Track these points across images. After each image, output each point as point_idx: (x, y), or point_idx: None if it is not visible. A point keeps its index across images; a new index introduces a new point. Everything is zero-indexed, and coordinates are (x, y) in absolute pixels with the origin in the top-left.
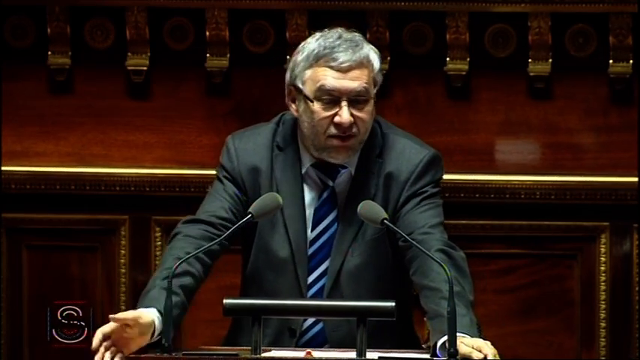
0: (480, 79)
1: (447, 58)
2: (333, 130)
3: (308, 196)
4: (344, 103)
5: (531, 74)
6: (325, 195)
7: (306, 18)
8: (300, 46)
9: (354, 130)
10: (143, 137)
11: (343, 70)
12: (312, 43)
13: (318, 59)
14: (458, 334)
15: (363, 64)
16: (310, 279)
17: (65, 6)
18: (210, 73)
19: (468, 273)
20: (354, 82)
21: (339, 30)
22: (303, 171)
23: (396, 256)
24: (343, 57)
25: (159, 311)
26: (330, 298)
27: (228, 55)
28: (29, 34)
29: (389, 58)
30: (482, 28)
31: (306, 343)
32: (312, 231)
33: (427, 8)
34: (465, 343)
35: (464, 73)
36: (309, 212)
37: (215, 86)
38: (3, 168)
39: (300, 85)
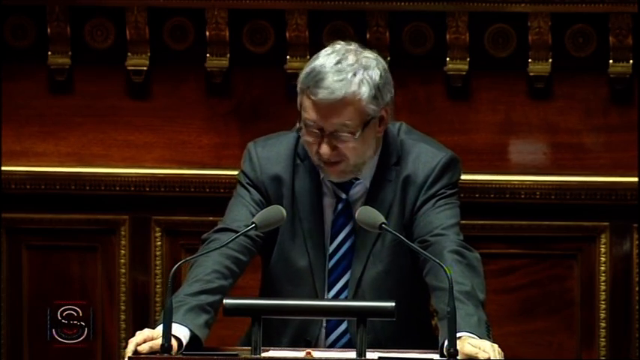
0: (480, 79)
1: (447, 58)
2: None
3: (326, 208)
4: (325, 138)
5: (531, 74)
6: (340, 207)
7: (306, 18)
8: (313, 57)
9: (339, 158)
10: (143, 137)
11: (322, 107)
12: (313, 62)
13: (305, 88)
14: (466, 334)
15: (346, 100)
16: (332, 292)
17: (65, 6)
18: (210, 73)
19: (480, 273)
20: (332, 119)
21: (347, 49)
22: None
23: (415, 261)
24: (323, 94)
25: (190, 332)
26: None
27: (228, 55)
28: (29, 34)
29: (389, 58)
30: (482, 28)
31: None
32: (330, 244)
33: (427, 8)
34: (473, 344)
35: (464, 73)
36: (328, 225)
37: (215, 86)
38: (3, 168)
39: (298, 104)
